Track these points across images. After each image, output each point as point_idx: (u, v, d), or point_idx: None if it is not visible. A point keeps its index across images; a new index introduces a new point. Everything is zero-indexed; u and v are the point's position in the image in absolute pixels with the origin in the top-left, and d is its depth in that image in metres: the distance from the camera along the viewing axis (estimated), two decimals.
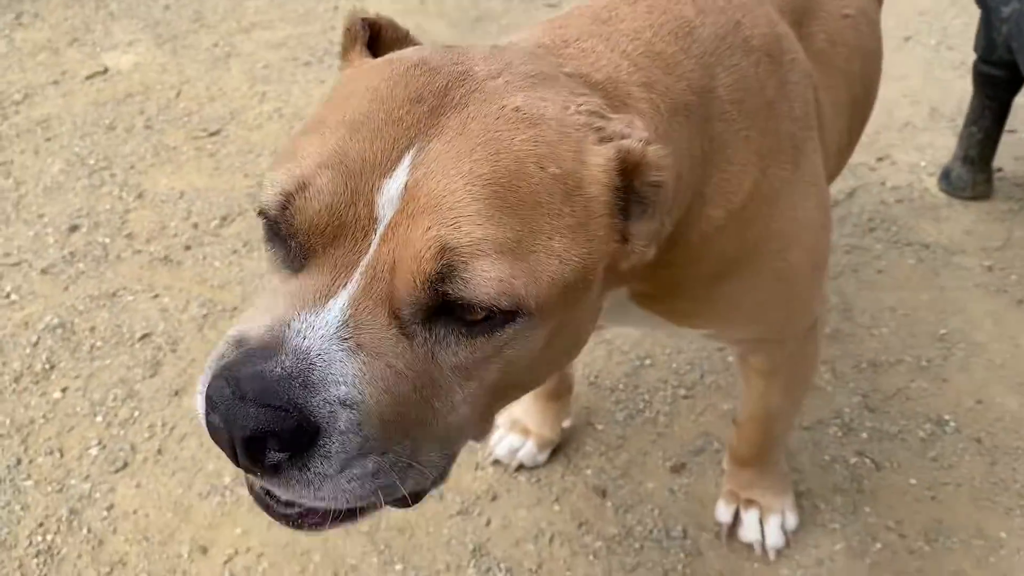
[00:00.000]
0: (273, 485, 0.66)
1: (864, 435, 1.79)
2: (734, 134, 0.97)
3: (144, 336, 2.04)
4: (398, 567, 1.55)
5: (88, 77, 3.21)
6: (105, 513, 1.66)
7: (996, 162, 2.47)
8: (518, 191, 0.65)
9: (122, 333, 2.05)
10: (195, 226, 2.41)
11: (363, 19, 0.85)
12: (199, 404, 0.69)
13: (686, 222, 0.95)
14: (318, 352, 0.62)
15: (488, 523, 1.62)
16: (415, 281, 0.64)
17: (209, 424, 0.65)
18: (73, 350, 2.01)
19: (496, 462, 1.71)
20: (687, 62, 0.93)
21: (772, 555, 1.55)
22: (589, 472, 1.71)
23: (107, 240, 2.36)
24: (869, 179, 2.56)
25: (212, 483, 1.71)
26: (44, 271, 2.25)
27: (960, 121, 2.59)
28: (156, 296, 2.16)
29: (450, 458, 0.78)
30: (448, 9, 3.70)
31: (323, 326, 0.63)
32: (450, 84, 0.70)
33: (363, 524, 1.58)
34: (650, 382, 1.90)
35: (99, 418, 1.85)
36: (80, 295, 2.17)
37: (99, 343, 2.03)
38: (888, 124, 2.80)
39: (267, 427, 0.61)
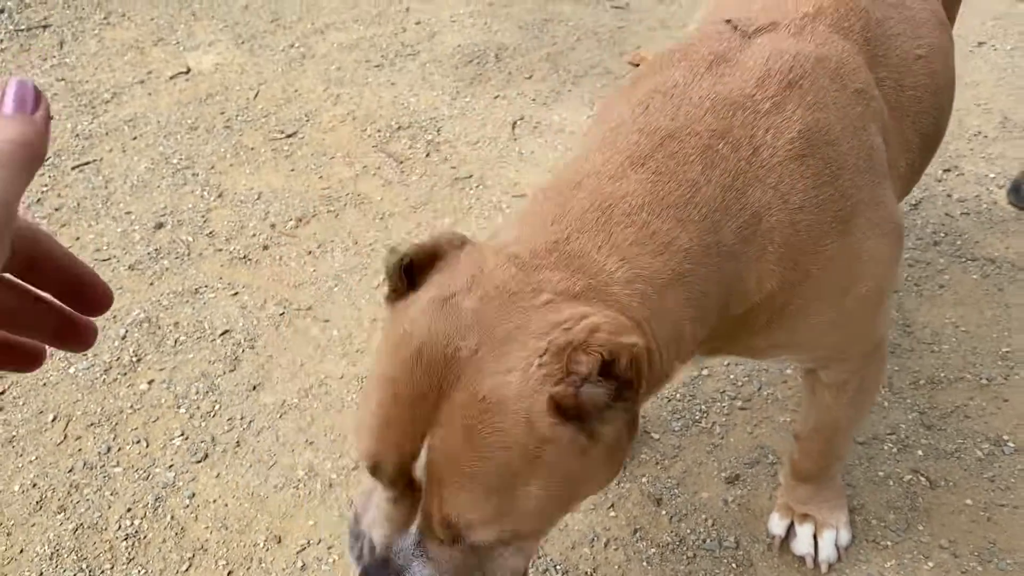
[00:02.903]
0: None
1: (920, 452, 1.80)
2: (747, 262, 1.04)
3: (224, 332, 2.16)
4: None
5: (172, 77, 3.35)
6: (187, 501, 1.77)
7: None
8: (495, 470, 0.85)
9: (204, 328, 2.17)
10: (272, 226, 2.52)
11: (398, 263, 0.95)
12: (347, 551, 1.05)
13: (711, 322, 1.07)
14: (407, 568, 0.94)
15: None
16: (443, 535, 0.91)
17: None
18: (158, 344, 2.14)
19: None
20: (684, 235, 0.99)
21: (824, 568, 1.59)
22: (645, 480, 1.77)
23: (190, 238, 2.48)
24: (935, 190, 2.54)
25: (286, 476, 1.81)
26: (131, 267, 2.38)
27: None
28: (236, 294, 2.28)
29: None
30: (517, 12, 3.75)
31: (407, 547, 0.94)
32: (444, 377, 0.87)
33: None
34: (707, 392, 1.95)
35: (182, 410, 1.96)
36: (165, 291, 2.29)
37: (182, 337, 2.15)
38: (958, 134, 2.77)
39: None
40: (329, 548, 1.67)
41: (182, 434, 1.91)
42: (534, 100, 3.13)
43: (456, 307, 0.89)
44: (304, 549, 1.68)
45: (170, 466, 1.84)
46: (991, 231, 2.38)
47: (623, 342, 0.86)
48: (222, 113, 3.10)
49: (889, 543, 1.65)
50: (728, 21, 1.20)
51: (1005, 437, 1.83)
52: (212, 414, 1.95)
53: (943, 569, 1.60)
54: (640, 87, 1.15)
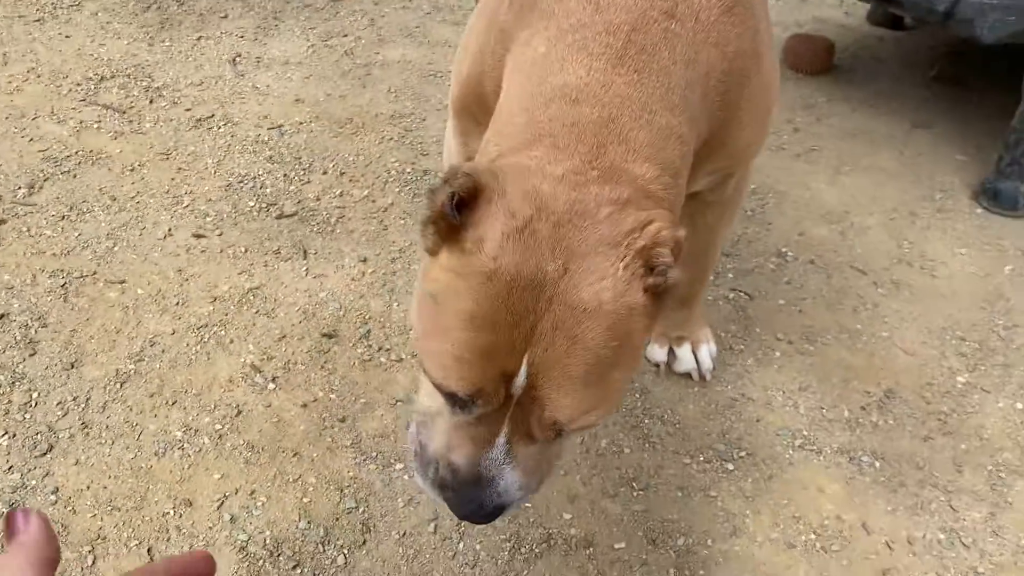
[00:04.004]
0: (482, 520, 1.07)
1: (730, 275, 2.10)
2: (704, 114, 1.17)
3: (1, 316, 1.81)
4: (398, 466, 1.59)
5: None
6: (53, 497, 1.49)
7: None
8: (595, 366, 0.94)
9: None
10: None
11: (449, 201, 0.95)
12: (423, 485, 1.11)
13: None
14: (499, 476, 1.02)
15: None
16: (545, 434, 0.99)
17: (452, 508, 1.07)
18: None
19: None
20: (675, 120, 1.08)
21: (708, 376, 1.80)
22: None
23: None
24: None
25: (163, 440, 1.60)
26: None
27: None
28: None
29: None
30: None
31: (496, 458, 1.01)
32: (537, 298, 0.93)
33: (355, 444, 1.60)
34: None
35: None
36: None
37: None
38: None
39: (486, 519, 1.05)
40: (251, 494, 1.53)
41: (5, 432, 1.59)
42: (242, 37, 2.95)
43: (534, 234, 0.95)
44: (223, 503, 1.51)
45: (9, 468, 1.53)
46: None
47: (679, 235, 0.98)
48: None
49: (742, 347, 1.91)
50: None
51: (784, 249, 2.19)
52: (32, 404, 1.65)
53: (787, 355, 1.90)
54: None
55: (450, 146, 1.55)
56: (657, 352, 1.81)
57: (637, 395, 1.77)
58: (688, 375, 1.81)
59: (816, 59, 2.99)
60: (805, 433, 1.72)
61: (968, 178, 2.52)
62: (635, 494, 1.58)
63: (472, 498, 1.02)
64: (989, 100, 2.91)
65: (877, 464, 1.67)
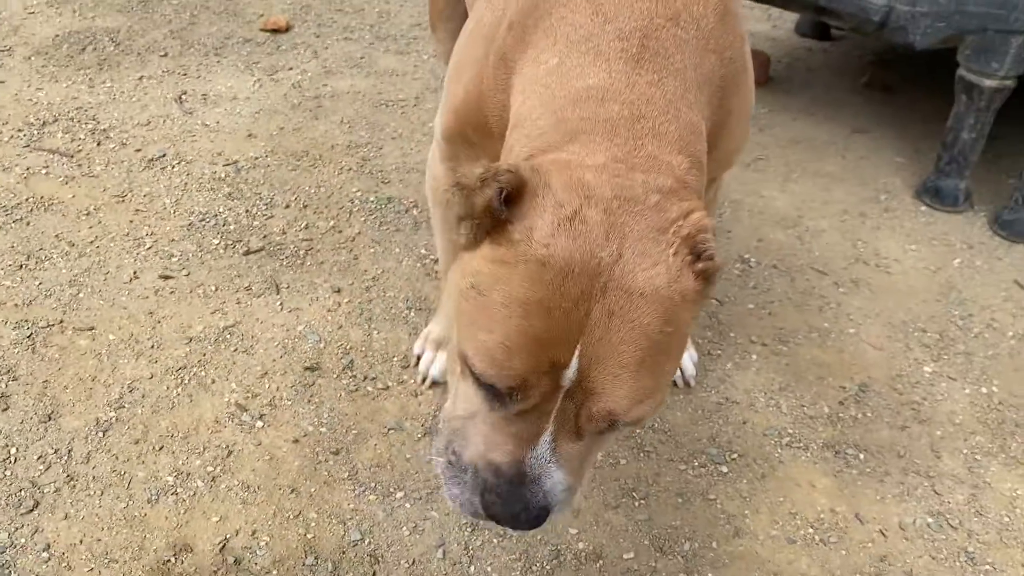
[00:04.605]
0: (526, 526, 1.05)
1: None
2: (707, 117, 1.21)
3: None
4: (399, 495, 1.58)
5: None
6: (45, 555, 1.44)
7: None
8: (650, 353, 0.94)
9: None
10: None
11: (498, 195, 0.96)
12: (457, 497, 1.07)
13: None
14: (544, 475, 1.00)
15: None
16: (596, 427, 0.98)
17: (495, 512, 1.04)
18: None
19: (435, 383, 1.78)
20: (695, 115, 1.13)
21: (692, 383, 1.84)
22: None
23: None
24: None
25: (154, 487, 1.56)
26: None
27: None
28: None
29: None
30: None
31: (542, 456, 0.99)
32: (591, 285, 0.93)
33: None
34: None
35: None
36: None
37: None
38: None
39: (532, 525, 1.03)
40: (252, 534, 1.50)
41: None
42: (185, 75, 2.91)
43: (585, 222, 0.96)
44: (225, 546, 1.48)
45: None
46: None
47: (713, 223, 1.03)
48: None
49: (720, 352, 1.96)
50: None
51: (747, 256, 2.25)
52: (11, 460, 1.59)
53: (763, 357, 1.95)
54: None
55: (436, 171, 1.56)
56: None
57: None
58: (673, 382, 1.85)
59: (754, 72, 3.09)
60: (790, 431, 1.77)
61: (909, 178, 2.64)
62: (636, 503, 1.60)
63: (517, 499, 1.00)
64: (919, 104, 3.05)
65: (861, 456, 1.72)
